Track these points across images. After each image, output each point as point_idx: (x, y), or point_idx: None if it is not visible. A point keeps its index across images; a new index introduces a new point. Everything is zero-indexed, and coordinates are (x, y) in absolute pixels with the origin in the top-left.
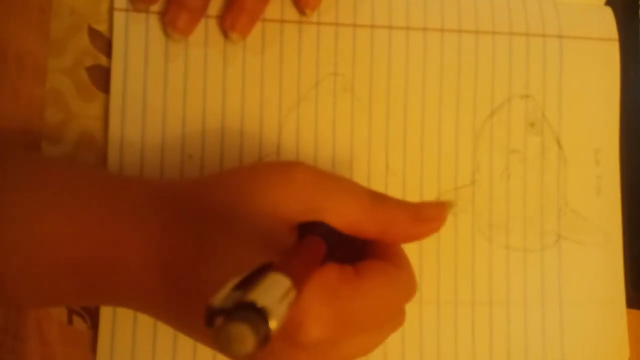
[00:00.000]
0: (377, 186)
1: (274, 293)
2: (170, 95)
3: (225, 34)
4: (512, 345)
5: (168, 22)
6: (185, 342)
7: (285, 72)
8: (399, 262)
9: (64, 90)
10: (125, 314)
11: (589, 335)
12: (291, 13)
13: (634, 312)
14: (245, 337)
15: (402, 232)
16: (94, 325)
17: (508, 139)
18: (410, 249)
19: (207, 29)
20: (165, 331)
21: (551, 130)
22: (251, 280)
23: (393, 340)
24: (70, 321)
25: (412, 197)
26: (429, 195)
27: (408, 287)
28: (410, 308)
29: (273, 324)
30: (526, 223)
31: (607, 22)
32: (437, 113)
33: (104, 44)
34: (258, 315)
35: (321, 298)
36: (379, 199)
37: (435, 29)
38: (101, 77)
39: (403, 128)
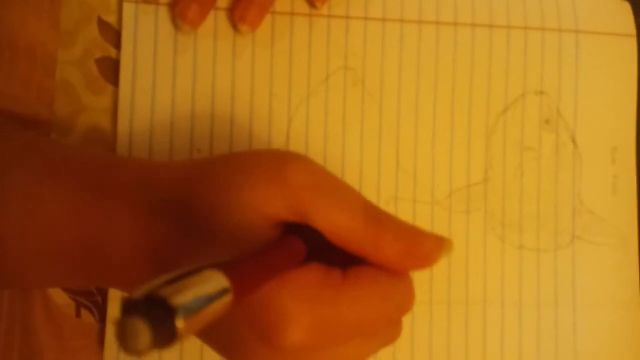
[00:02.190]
0: (388, 183)
1: (197, 292)
2: (179, 88)
3: (234, 26)
4: (524, 347)
5: (178, 14)
6: (192, 338)
7: (295, 65)
8: (394, 271)
9: (73, 82)
10: None
11: (603, 338)
12: (301, 6)
13: None
14: (139, 333)
15: (389, 260)
16: (102, 319)
17: (522, 136)
18: None
19: (217, 21)
20: None
21: (567, 128)
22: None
23: (402, 341)
24: (78, 314)
25: (424, 194)
26: (441, 193)
27: (403, 299)
28: (420, 308)
29: (181, 324)
30: (540, 222)
31: (625, 18)
32: (449, 108)
33: (114, 35)
34: (164, 312)
35: (301, 300)
36: (374, 219)
37: (449, 23)
38: (110, 70)
39: (414, 123)
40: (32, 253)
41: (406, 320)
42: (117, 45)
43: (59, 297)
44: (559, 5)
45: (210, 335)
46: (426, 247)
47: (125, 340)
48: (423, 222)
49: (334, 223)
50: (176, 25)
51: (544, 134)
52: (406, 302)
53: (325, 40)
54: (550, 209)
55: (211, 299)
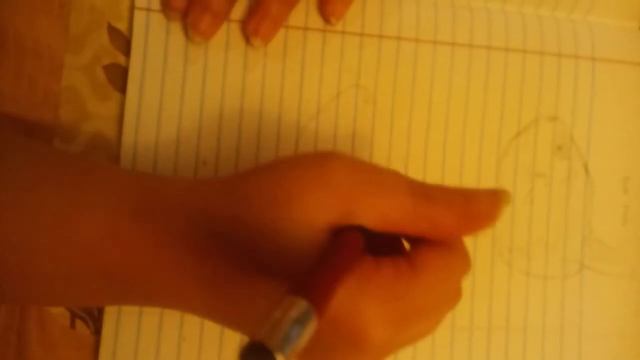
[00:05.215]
0: None
1: (286, 325)
2: (188, 99)
3: (247, 39)
4: None
5: (190, 24)
6: (190, 349)
7: (306, 81)
8: (451, 241)
9: (79, 88)
10: (129, 321)
11: None
12: (316, 21)
13: None
14: None
15: (449, 231)
16: (97, 331)
17: (534, 162)
18: None
19: (229, 33)
20: (169, 339)
21: (579, 155)
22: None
23: None
24: (72, 325)
25: None
26: None
27: (463, 265)
28: None
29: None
30: (548, 249)
31: None
32: (460, 131)
33: (123, 42)
34: (268, 355)
35: (379, 301)
36: (422, 198)
37: (464, 44)
38: (118, 77)
39: (424, 144)
40: (70, 273)
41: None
42: (126, 52)
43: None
44: (576, 31)
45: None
46: (483, 207)
47: None
48: None
49: (383, 212)
50: (188, 36)
51: (556, 160)
52: (465, 265)
53: (337, 57)
54: (559, 236)
55: (301, 326)
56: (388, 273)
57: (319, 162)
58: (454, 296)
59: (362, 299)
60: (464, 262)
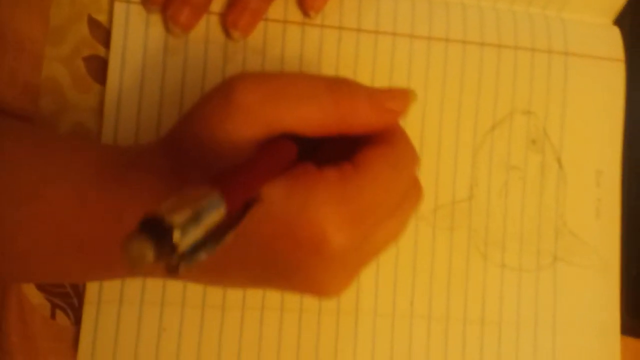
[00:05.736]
0: None
1: (190, 206)
2: (167, 91)
3: (226, 31)
4: None
5: (170, 17)
6: (169, 339)
7: None
8: (390, 138)
9: (59, 80)
10: (109, 311)
11: None
12: (295, 14)
13: (629, 339)
14: (144, 251)
15: (363, 121)
16: (77, 322)
17: (508, 155)
18: (404, 262)
19: (209, 25)
20: (149, 329)
21: (552, 149)
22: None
23: (382, 355)
24: (53, 316)
25: None
26: (426, 207)
27: (409, 156)
28: (400, 322)
29: (177, 237)
30: (523, 242)
31: (613, 42)
32: (437, 124)
33: (103, 34)
34: (162, 229)
35: (329, 204)
36: (339, 90)
37: (440, 39)
38: (98, 68)
39: None
40: (44, 247)
41: (385, 334)
42: (106, 44)
43: (34, 297)
44: (549, 26)
45: (262, 272)
46: (394, 101)
47: (134, 258)
48: (406, 238)
49: (306, 117)
50: (167, 28)
51: (530, 153)
52: (412, 158)
53: (317, 50)
54: (533, 229)
55: (204, 209)
56: (333, 176)
57: (224, 87)
58: (411, 190)
59: (312, 204)
60: (408, 153)
